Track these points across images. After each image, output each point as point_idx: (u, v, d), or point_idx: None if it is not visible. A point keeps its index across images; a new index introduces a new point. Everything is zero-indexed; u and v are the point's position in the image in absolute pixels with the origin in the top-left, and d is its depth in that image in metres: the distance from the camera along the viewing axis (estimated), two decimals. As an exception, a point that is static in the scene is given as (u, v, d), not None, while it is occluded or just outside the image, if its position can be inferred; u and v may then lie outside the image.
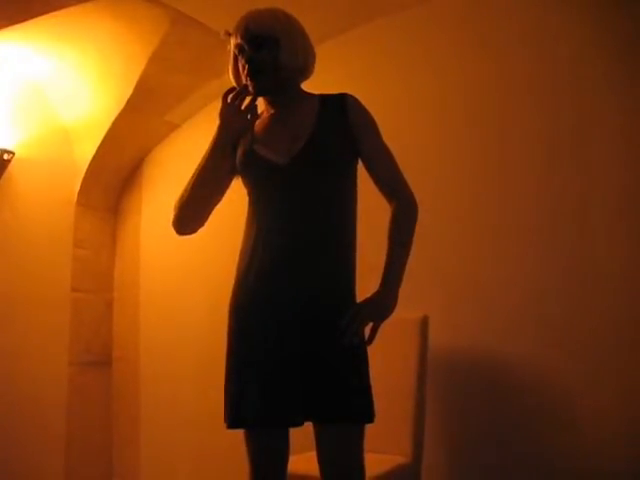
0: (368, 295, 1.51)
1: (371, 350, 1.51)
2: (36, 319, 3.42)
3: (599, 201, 2.16)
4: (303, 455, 1.87)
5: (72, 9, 2.59)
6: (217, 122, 1.59)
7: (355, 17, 2.76)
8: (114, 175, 3.54)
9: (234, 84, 1.63)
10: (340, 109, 1.57)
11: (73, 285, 3.37)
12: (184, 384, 3.19)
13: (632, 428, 2.01)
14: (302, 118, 1.57)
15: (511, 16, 2.44)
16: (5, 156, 3.51)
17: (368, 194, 1.61)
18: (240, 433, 1.52)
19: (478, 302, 2.36)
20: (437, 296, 2.44)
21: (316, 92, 1.66)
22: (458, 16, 2.58)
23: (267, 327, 1.49)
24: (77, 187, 3.39)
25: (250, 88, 1.56)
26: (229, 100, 1.57)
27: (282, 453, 1.53)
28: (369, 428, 1.50)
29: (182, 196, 1.62)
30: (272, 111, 1.64)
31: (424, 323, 2.27)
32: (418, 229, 1.58)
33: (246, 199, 1.62)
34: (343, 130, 1.56)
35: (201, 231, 1.68)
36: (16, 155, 3.55)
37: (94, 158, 3.34)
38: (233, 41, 1.58)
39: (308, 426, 1.50)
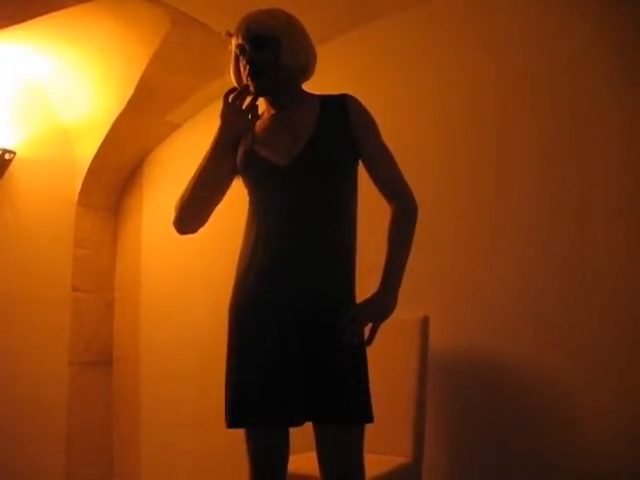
0: (368, 295, 1.52)
1: (372, 351, 1.51)
2: (36, 319, 3.42)
3: (598, 200, 2.16)
4: (303, 455, 1.87)
5: (73, 9, 2.60)
6: (218, 122, 1.59)
7: (355, 17, 2.76)
8: (115, 175, 3.54)
9: (235, 84, 1.63)
10: (341, 110, 1.58)
11: (74, 285, 3.38)
12: (184, 384, 3.19)
13: (632, 428, 2.01)
14: (303, 119, 1.58)
15: (511, 16, 2.44)
16: (6, 156, 3.52)
17: (368, 194, 1.61)
18: (240, 433, 1.52)
19: (478, 302, 2.36)
20: (437, 296, 2.44)
21: (317, 92, 1.67)
22: (458, 16, 2.58)
23: (267, 327, 1.49)
24: (78, 187, 3.40)
25: (251, 88, 1.56)
26: (230, 100, 1.58)
27: (282, 453, 1.53)
28: (369, 428, 1.50)
29: (183, 196, 1.62)
30: (273, 112, 1.64)
31: (425, 323, 2.27)
32: (418, 229, 1.58)
33: (247, 199, 1.63)
34: (344, 131, 1.56)
35: (202, 231, 1.68)
36: (17, 155, 3.55)
37: (95, 158, 3.34)
38: (234, 41, 1.58)
39: (308, 426, 1.50)
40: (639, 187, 2.10)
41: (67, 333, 3.32)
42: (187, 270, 3.28)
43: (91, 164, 3.35)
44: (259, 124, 1.63)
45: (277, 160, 1.54)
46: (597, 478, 2.04)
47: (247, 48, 1.55)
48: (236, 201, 1.65)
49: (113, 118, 3.20)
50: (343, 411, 1.46)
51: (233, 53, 1.61)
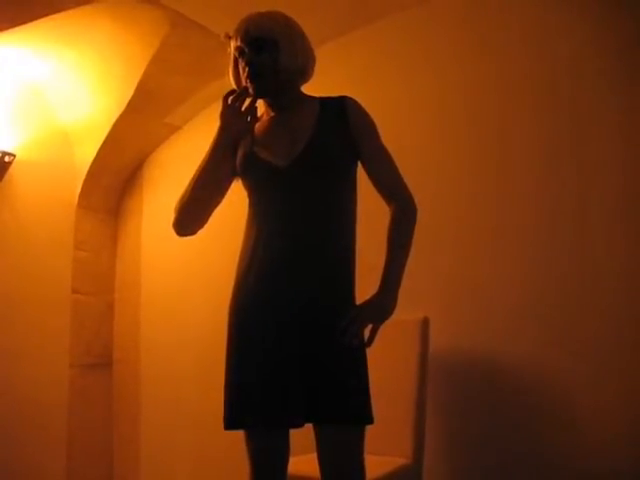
0: (368, 296, 1.52)
1: (372, 352, 1.51)
2: (37, 321, 3.42)
3: (598, 201, 2.16)
4: (304, 456, 1.87)
5: (72, 11, 2.59)
6: (217, 124, 1.59)
7: (355, 19, 2.76)
8: (115, 177, 3.54)
9: (234, 86, 1.63)
10: (340, 112, 1.58)
11: (74, 287, 3.38)
12: (184, 385, 3.19)
13: (633, 428, 2.01)
14: (302, 121, 1.58)
15: (511, 16, 2.44)
16: (6, 158, 3.52)
17: (368, 195, 1.61)
18: (240, 434, 1.52)
19: (478, 303, 2.36)
20: (437, 297, 2.44)
21: (317, 94, 1.67)
22: (458, 16, 2.58)
23: (266, 328, 1.49)
24: (78, 189, 3.40)
25: (250, 90, 1.57)
26: (229, 102, 1.58)
27: (282, 454, 1.54)
28: (369, 429, 1.50)
29: (182, 198, 1.62)
30: (272, 114, 1.65)
31: (424, 324, 2.27)
32: (418, 230, 1.58)
33: (246, 201, 1.63)
34: (343, 133, 1.56)
35: (202, 233, 1.68)
36: (17, 157, 3.55)
37: (95, 160, 3.34)
38: (233, 44, 1.59)
39: (308, 427, 1.50)
40: (639, 187, 2.10)
41: (67, 335, 3.31)
42: (187, 272, 3.28)
43: (91, 166, 3.35)
44: (258, 126, 1.63)
45: (276, 162, 1.54)
46: (597, 478, 2.04)
47: (246, 50, 1.55)
48: (236, 202, 1.65)
49: (113, 120, 3.20)
50: (343, 412, 1.46)
51: (232, 55, 1.61)
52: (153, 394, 3.34)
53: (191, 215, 1.64)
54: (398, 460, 2.10)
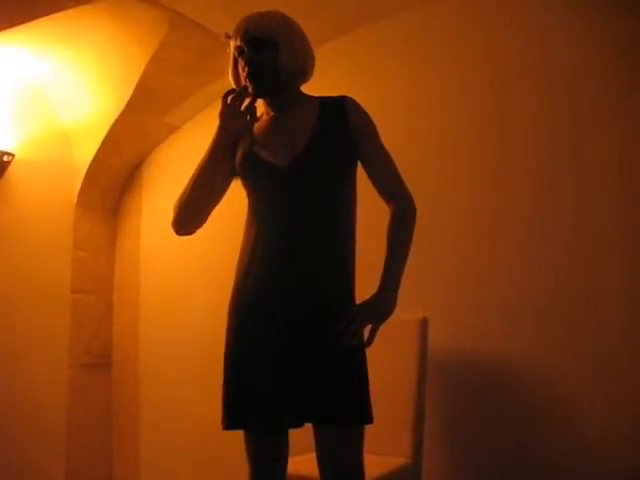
0: (368, 295, 1.52)
1: (371, 351, 1.51)
2: (36, 321, 3.42)
3: (598, 201, 2.16)
4: (303, 456, 1.87)
5: (71, 11, 2.59)
6: (217, 123, 1.59)
7: (355, 19, 2.76)
8: (114, 176, 3.54)
9: (234, 86, 1.63)
10: (340, 112, 1.58)
11: (73, 286, 3.37)
12: (184, 386, 3.19)
13: (633, 428, 2.01)
14: (302, 120, 1.58)
15: (511, 17, 2.44)
16: (5, 158, 3.52)
17: (368, 195, 1.61)
18: (240, 434, 1.52)
19: (478, 303, 2.36)
20: (437, 297, 2.44)
21: (317, 94, 1.67)
22: (457, 17, 2.58)
23: (266, 328, 1.49)
24: (77, 188, 3.40)
25: (250, 90, 1.56)
26: (229, 101, 1.57)
27: (281, 454, 1.53)
28: (369, 429, 1.50)
29: (181, 197, 1.62)
30: (272, 113, 1.65)
31: (424, 324, 2.27)
32: (418, 230, 1.58)
33: (246, 200, 1.63)
34: (343, 132, 1.56)
35: (201, 232, 1.68)
36: (16, 157, 3.55)
37: (94, 159, 3.34)
38: (233, 43, 1.58)
39: (308, 427, 1.50)
40: (638, 186, 2.10)
41: (66, 335, 3.31)
42: (186, 271, 3.28)
43: (90, 166, 3.35)
44: (258, 126, 1.63)
45: (276, 161, 1.54)
46: (597, 478, 2.04)
47: (245, 50, 1.55)
48: (235, 202, 1.65)
49: (112, 120, 3.20)
50: (343, 412, 1.46)
51: (232, 55, 1.61)
52: (152, 394, 3.34)
53: (190, 214, 1.64)
54: (397, 460, 2.10)
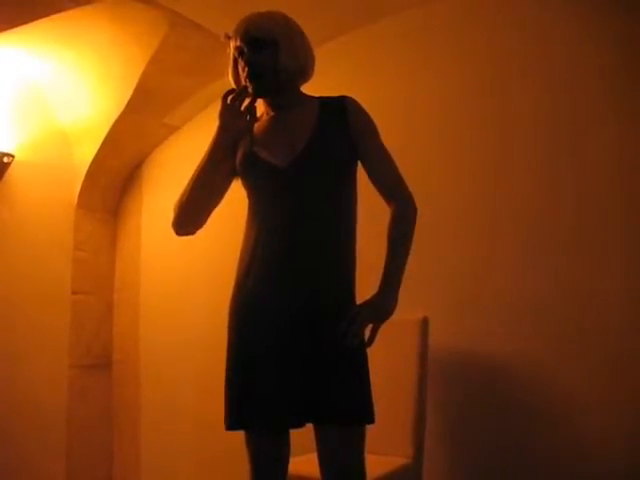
0: (368, 295, 1.52)
1: (372, 351, 1.51)
2: (36, 321, 3.42)
3: (598, 201, 2.16)
4: (304, 456, 1.87)
5: (71, 12, 2.59)
6: (217, 124, 1.59)
7: (355, 19, 2.76)
8: (114, 177, 3.54)
9: (234, 86, 1.63)
10: (340, 112, 1.58)
11: (73, 287, 3.37)
12: (184, 386, 3.19)
13: (632, 428, 2.01)
14: (302, 120, 1.58)
15: (510, 17, 2.45)
16: (5, 159, 3.52)
17: (368, 195, 1.61)
18: (240, 434, 1.52)
19: (478, 303, 2.36)
20: (437, 297, 2.44)
21: (317, 94, 1.67)
22: (458, 17, 2.58)
23: (267, 328, 1.49)
24: (77, 189, 3.40)
25: (250, 90, 1.56)
26: (229, 101, 1.57)
27: (282, 454, 1.54)
28: (370, 429, 1.50)
29: (181, 197, 1.62)
30: (272, 113, 1.65)
31: (424, 324, 2.27)
32: (418, 230, 1.58)
33: (246, 200, 1.63)
34: (343, 132, 1.56)
35: (201, 232, 1.68)
36: (16, 158, 3.55)
37: (94, 160, 3.34)
38: (233, 44, 1.58)
39: (308, 427, 1.50)
40: (638, 187, 2.10)
41: (67, 336, 3.31)
42: (187, 272, 3.28)
43: (90, 166, 3.35)
44: (258, 126, 1.63)
45: (276, 162, 1.54)
46: (597, 478, 2.04)
47: (245, 50, 1.55)
48: (236, 202, 1.65)
49: (112, 120, 3.20)
50: (344, 412, 1.46)
51: (231, 55, 1.61)
52: (153, 394, 3.34)
53: (190, 215, 1.64)
54: (398, 460, 2.10)
